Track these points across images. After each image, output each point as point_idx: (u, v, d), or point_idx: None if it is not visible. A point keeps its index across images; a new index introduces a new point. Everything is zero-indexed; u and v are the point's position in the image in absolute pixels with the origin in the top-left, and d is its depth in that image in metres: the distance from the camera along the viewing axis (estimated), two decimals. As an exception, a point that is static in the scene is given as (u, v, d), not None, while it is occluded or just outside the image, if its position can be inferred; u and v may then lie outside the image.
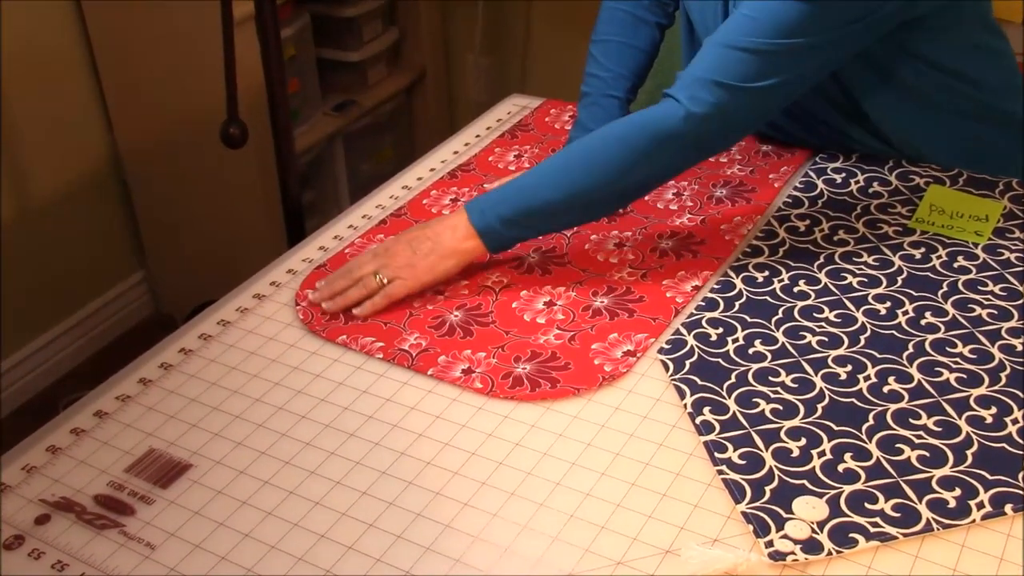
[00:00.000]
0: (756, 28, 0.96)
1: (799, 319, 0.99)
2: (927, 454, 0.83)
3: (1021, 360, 0.92)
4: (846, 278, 1.05)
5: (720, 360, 0.94)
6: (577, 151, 1.02)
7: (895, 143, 1.21)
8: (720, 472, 0.82)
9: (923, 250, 1.08)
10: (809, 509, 0.78)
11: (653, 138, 0.98)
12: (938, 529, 0.76)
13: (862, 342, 0.96)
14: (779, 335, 0.97)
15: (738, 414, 0.88)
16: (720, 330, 0.98)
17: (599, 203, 1.03)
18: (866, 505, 0.78)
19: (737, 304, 1.02)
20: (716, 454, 0.84)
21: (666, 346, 0.97)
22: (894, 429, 0.85)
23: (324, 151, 2.25)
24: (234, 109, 1.39)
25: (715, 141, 1.02)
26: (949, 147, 1.20)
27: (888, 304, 1.00)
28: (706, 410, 0.88)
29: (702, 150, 1.02)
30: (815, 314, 1.00)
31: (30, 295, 2.05)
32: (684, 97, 0.98)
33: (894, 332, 0.97)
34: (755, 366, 0.93)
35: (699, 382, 0.92)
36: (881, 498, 0.79)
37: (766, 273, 1.06)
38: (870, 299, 1.01)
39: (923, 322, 0.97)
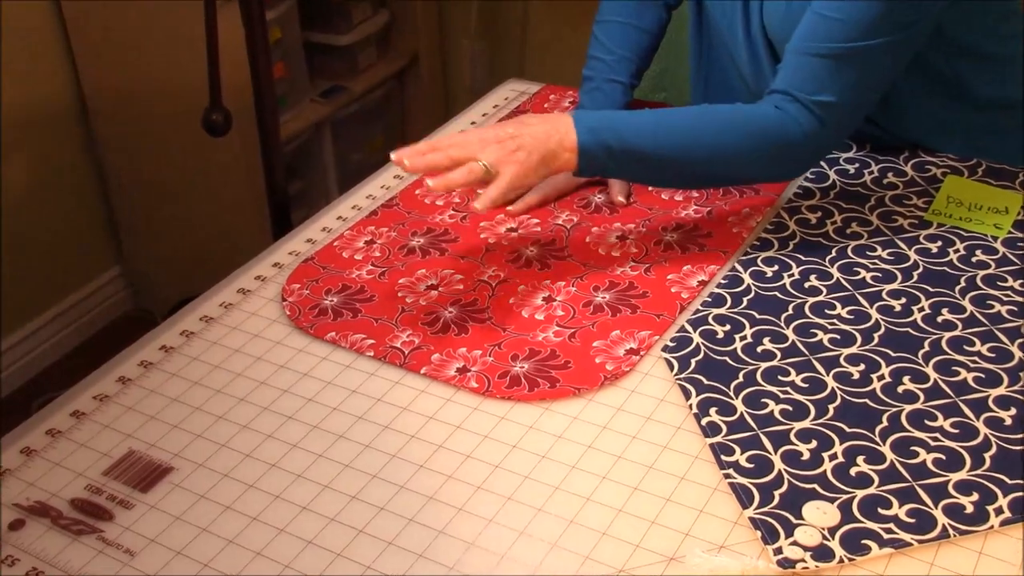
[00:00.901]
0: (847, 31, 0.99)
1: (810, 316, 0.99)
2: (943, 457, 0.83)
3: (1042, 359, 0.92)
4: (859, 273, 1.05)
5: (727, 359, 0.95)
6: (707, 120, 1.04)
7: (913, 132, 1.21)
8: (727, 476, 0.82)
9: (940, 244, 1.08)
10: (820, 515, 0.79)
11: (776, 145, 1.03)
12: (955, 536, 0.77)
13: (876, 340, 0.96)
14: (789, 332, 0.97)
15: (746, 415, 0.88)
16: (727, 327, 0.98)
17: (698, 177, 1.08)
18: (879, 510, 0.79)
19: (745, 300, 1.02)
20: (723, 457, 0.84)
21: (671, 344, 0.97)
22: (909, 431, 0.86)
23: (311, 139, 2.25)
24: (217, 95, 1.39)
25: (829, 150, 1.11)
26: (968, 136, 1.20)
27: (903, 300, 1.01)
28: (712, 411, 0.89)
29: (816, 160, 1.09)
30: (827, 310, 1.00)
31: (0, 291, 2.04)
32: (799, 114, 1.02)
33: (909, 329, 0.97)
34: (764, 365, 0.93)
35: (705, 382, 0.92)
36: (895, 503, 0.79)
37: (775, 267, 1.06)
38: (884, 295, 1.02)
39: (940, 319, 0.98)
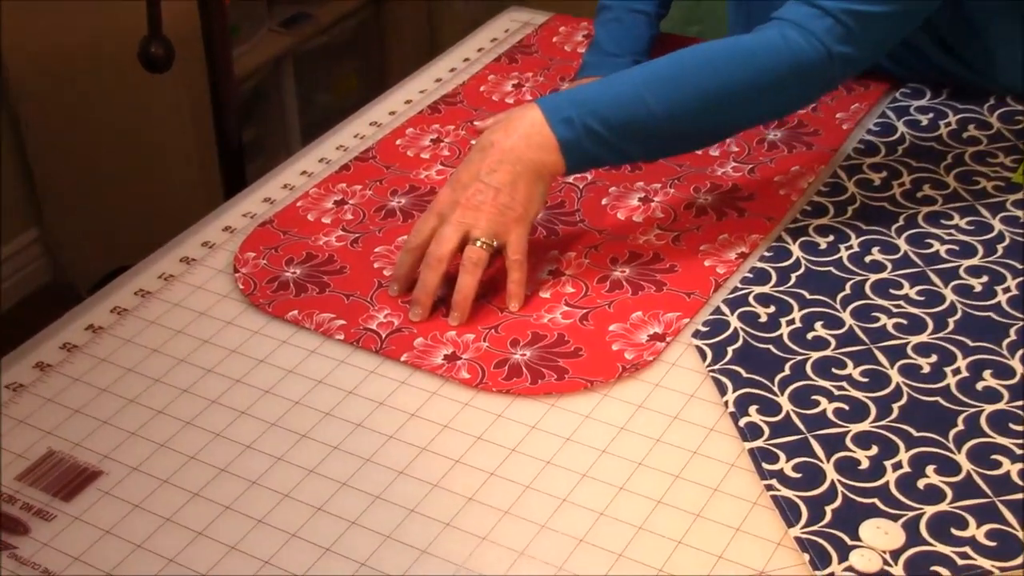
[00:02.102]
0: None
1: (872, 296, 0.99)
2: (1030, 468, 0.83)
3: None
4: (932, 245, 1.05)
5: (771, 347, 0.95)
6: (690, 61, 1.02)
7: (1002, 76, 1.21)
8: (769, 488, 0.83)
9: (1030, 211, 1.08)
10: (881, 535, 0.79)
11: (792, 69, 1.02)
12: (1043, 562, 0.77)
13: (951, 326, 0.96)
14: (846, 316, 0.97)
15: (792, 415, 0.88)
16: (771, 309, 0.98)
17: (708, 134, 1.07)
18: (953, 531, 0.79)
19: (793, 276, 1.02)
20: (764, 465, 0.84)
21: (703, 329, 0.97)
22: (990, 436, 0.86)
23: (270, 77, 2.25)
24: (156, 23, 1.38)
25: (850, 76, 1.10)
26: None
27: (984, 279, 1.01)
28: (752, 410, 0.89)
29: (834, 86, 1.08)
30: (892, 290, 1.00)
31: None
32: (821, 31, 1.01)
33: (991, 314, 0.97)
34: (815, 355, 0.94)
35: (744, 374, 0.92)
36: (972, 523, 0.80)
37: (831, 238, 1.06)
38: (962, 272, 1.02)
39: (1028, 302, 0.98)
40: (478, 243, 0.98)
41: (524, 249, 0.99)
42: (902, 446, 0.85)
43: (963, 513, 0.80)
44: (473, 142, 1.05)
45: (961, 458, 0.84)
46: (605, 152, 1.01)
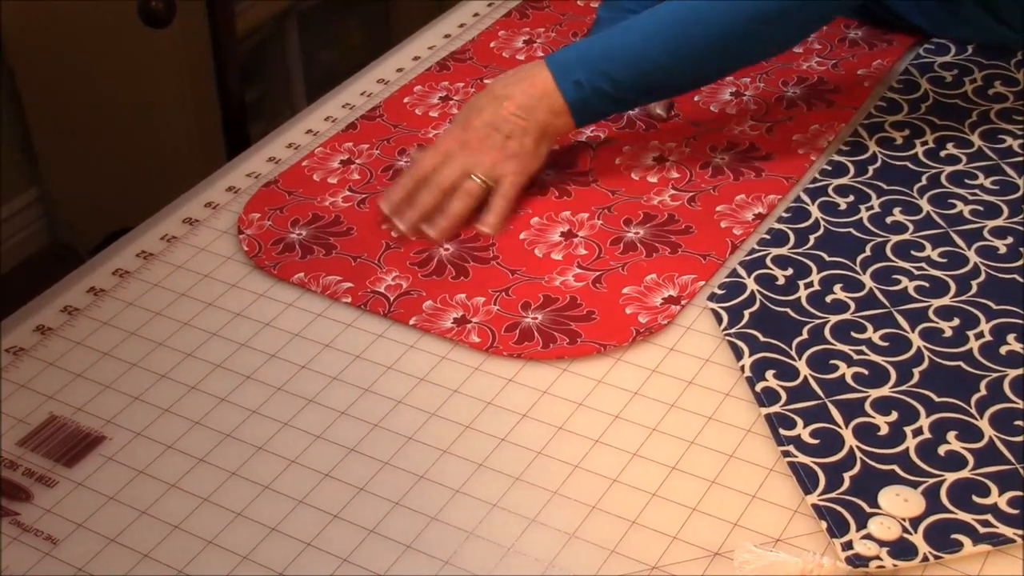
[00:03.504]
0: None
1: (892, 258, 0.99)
2: (1054, 434, 0.83)
3: None
4: (956, 206, 1.04)
5: (789, 310, 0.95)
6: (692, 6, 1.03)
7: None
8: (786, 454, 0.83)
9: (1057, 170, 1.08)
10: (900, 502, 0.79)
11: None
12: (1066, 530, 0.77)
13: (974, 289, 0.96)
14: (866, 279, 0.97)
15: (810, 380, 0.88)
16: (789, 271, 0.98)
17: (715, 72, 1.09)
18: (975, 499, 0.79)
19: (812, 238, 1.02)
20: (781, 431, 0.84)
21: (719, 291, 0.97)
22: (1013, 402, 0.86)
23: (273, 33, 2.24)
24: (156, -24, 1.38)
25: None
26: None
27: (1009, 240, 1.00)
28: (769, 374, 0.89)
29: (844, 9, 1.12)
30: (913, 252, 1.00)
31: None
32: None
33: (1016, 276, 0.97)
34: (834, 318, 0.94)
35: (761, 338, 0.92)
36: (994, 490, 0.80)
37: (851, 198, 1.06)
38: (986, 233, 1.01)
39: (1054, 264, 0.98)
40: (475, 178, 1.03)
41: (514, 195, 1.05)
42: (923, 412, 0.85)
43: (985, 480, 0.80)
44: (481, 91, 1.08)
45: (983, 424, 0.84)
46: (614, 107, 1.07)
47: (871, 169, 1.09)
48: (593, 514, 0.80)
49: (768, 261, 0.99)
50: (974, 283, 0.96)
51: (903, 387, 0.87)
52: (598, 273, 0.99)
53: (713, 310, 0.95)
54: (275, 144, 1.19)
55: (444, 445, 0.85)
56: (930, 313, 0.94)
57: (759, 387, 0.88)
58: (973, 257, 0.99)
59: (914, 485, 0.80)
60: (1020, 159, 1.09)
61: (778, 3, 1.01)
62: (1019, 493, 0.79)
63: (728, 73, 1.15)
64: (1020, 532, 0.77)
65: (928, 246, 1.00)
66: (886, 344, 0.91)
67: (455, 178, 1.03)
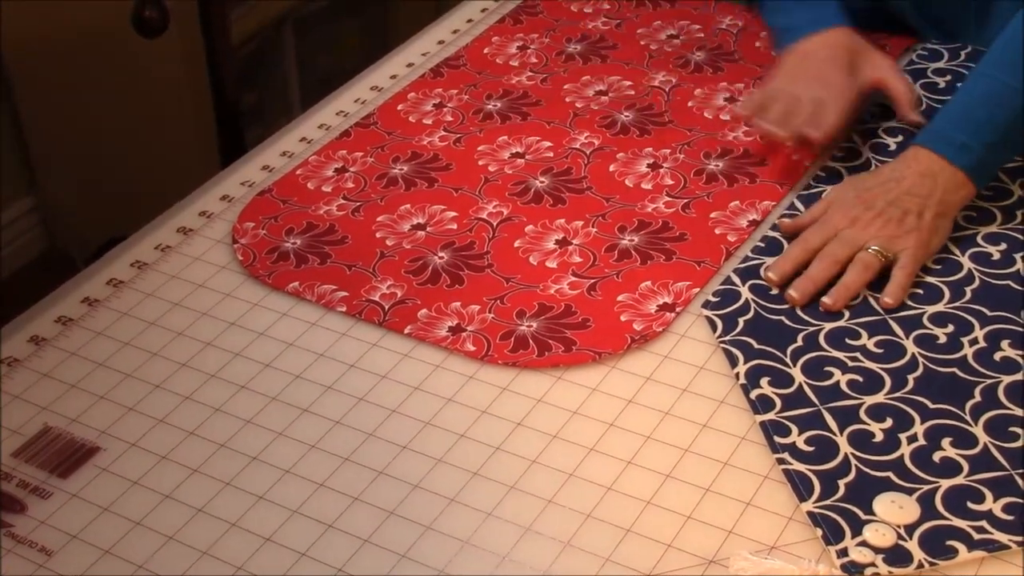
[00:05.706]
0: None
1: (887, 264, 0.99)
2: (1049, 440, 0.83)
3: None
4: (949, 211, 1.04)
5: (783, 317, 0.95)
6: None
7: None
8: (781, 461, 0.83)
9: (1051, 175, 1.08)
10: (895, 509, 0.79)
11: None
12: (1061, 536, 0.77)
13: (968, 295, 0.96)
14: (860, 285, 0.97)
15: (805, 387, 0.88)
16: (784, 278, 0.98)
17: None
18: (969, 505, 0.79)
19: (807, 244, 1.02)
20: (776, 438, 0.85)
21: (713, 299, 0.97)
22: (1008, 408, 0.86)
23: (269, 40, 2.24)
24: (151, -16, 1.38)
25: None
26: None
27: (1003, 247, 1.00)
28: (764, 381, 0.89)
29: None
30: (908, 258, 1.00)
31: None
32: None
33: (1010, 282, 0.97)
34: (828, 325, 0.94)
35: (755, 345, 0.92)
36: (989, 496, 0.80)
37: (845, 204, 1.06)
38: (979, 240, 1.01)
39: (1048, 269, 0.98)
40: (871, 249, 0.98)
41: (914, 269, 0.98)
42: (917, 418, 0.85)
43: (980, 486, 0.80)
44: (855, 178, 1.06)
45: (978, 430, 0.84)
46: (1002, 155, 1.05)
47: (865, 175, 1.09)
48: (588, 522, 0.80)
49: (763, 269, 1.00)
50: (968, 289, 0.96)
51: (898, 394, 0.87)
52: (593, 281, 0.99)
53: (707, 317, 0.95)
54: (269, 152, 1.19)
55: (439, 454, 0.85)
56: (924, 319, 0.94)
57: (754, 394, 0.88)
58: (967, 263, 0.99)
59: (909, 492, 0.80)
60: (1013, 165, 1.09)
61: None
62: (1014, 499, 0.79)
63: None
64: (1015, 538, 0.77)
65: (922, 252, 1.00)
66: (880, 351, 0.91)
67: (850, 252, 0.98)
